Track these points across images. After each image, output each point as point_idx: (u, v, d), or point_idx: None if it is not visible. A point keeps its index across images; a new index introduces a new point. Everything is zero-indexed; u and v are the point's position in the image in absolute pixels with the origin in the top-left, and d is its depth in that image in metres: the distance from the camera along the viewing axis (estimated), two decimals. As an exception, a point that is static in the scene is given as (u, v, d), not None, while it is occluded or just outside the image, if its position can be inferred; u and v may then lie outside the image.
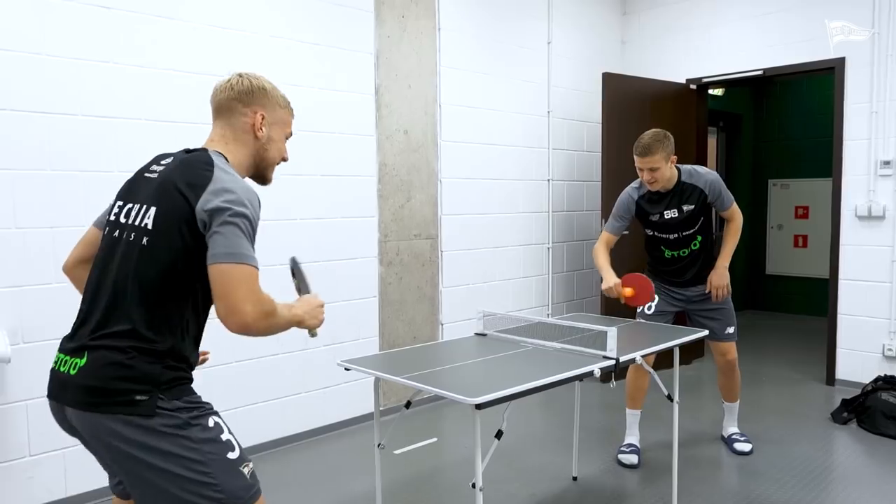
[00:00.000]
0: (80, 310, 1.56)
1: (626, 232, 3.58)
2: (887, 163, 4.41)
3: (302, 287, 1.81)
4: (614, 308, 4.68)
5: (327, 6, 3.74)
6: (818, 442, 3.63)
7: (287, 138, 1.77)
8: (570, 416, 3.99)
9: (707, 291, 3.38)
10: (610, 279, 3.16)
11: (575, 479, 3.19)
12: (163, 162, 1.60)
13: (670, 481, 2.89)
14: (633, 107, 4.93)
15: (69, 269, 1.76)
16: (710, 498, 2.96)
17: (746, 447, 3.49)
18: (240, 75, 1.69)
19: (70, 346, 1.51)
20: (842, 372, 4.65)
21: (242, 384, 3.45)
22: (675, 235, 3.35)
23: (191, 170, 1.52)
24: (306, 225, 3.70)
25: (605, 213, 4.78)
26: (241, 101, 1.66)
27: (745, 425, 3.77)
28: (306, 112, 3.67)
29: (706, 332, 2.93)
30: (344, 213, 3.88)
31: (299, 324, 1.64)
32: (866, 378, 4.34)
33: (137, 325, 1.45)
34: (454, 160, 4.47)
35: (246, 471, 1.53)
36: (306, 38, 3.66)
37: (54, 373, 1.52)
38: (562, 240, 5.28)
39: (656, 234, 3.39)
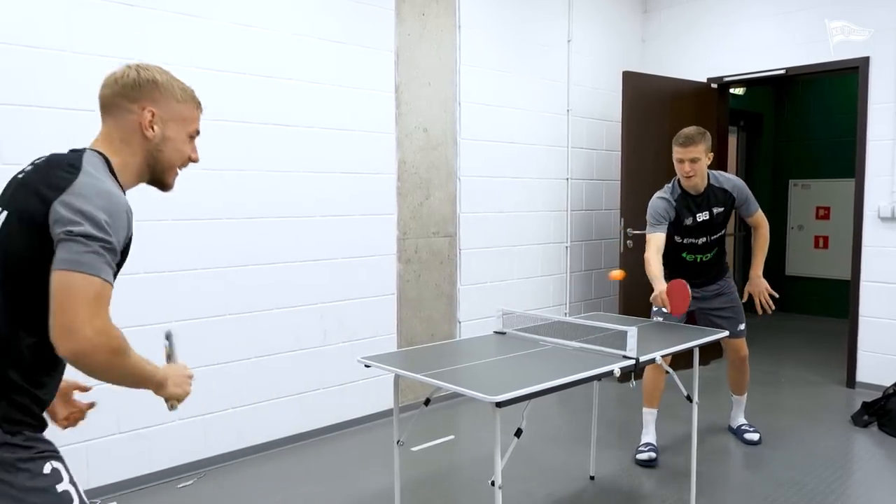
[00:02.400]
0: None
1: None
2: (912, 163, 4.35)
3: (171, 356, 1.53)
4: (633, 308, 4.67)
5: (349, 4, 3.76)
6: (838, 445, 3.60)
7: (191, 137, 1.51)
8: (588, 415, 3.98)
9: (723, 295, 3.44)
10: (661, 287, 3.10)
11: (592, 478, 3.19)
12: (36, 162, 1.38)
13: (688, 481, 2.88)
14: (653, 106, 4.90)
15: None
16: (729, 499, 2.95)
17: (755, 437, 3.60)
18: (128, 66, 1.46)
19: None
20: (862, 374, 4.60)
21: (261, 380, 3.49)
22: (704, 239, 3.39)
23: (53, 170, 1.29)
24: (326, 222, 3.72)
25: (625, 213, 4.77)
26: (126, 96, 1.41)
27: (764, 427, 3.75)
28: (326, 109, 3.70)
29: (726, 333, 2.93)
30: (363, 210, 3.90)
31: (158, 386, 1.37)
32: (887, 381, 4.29)
33: None
34: (473, 158, 4.47)
35: None
36: (328, 35, 3.68)
37: None
38: (580, 239, 5.27)
39: (685, 240, 3.40)
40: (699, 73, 5.34)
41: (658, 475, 3.22)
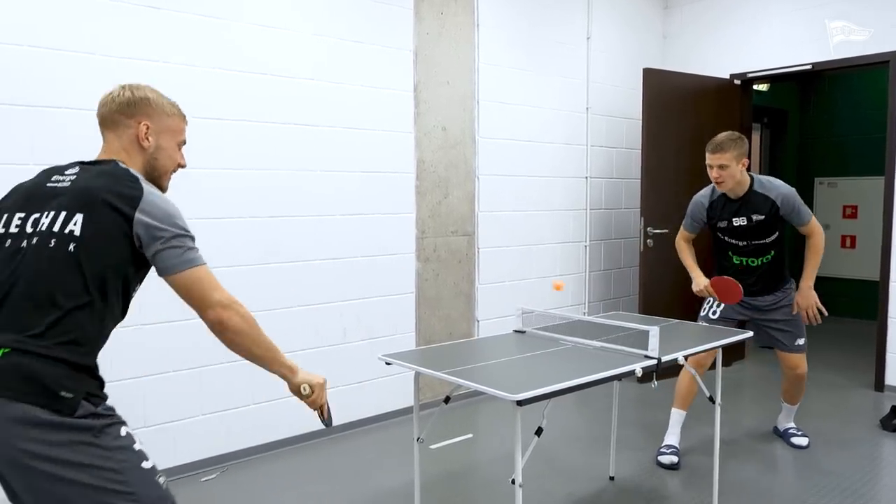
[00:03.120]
0: None
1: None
2: (943, 160, 4.24)
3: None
4: (653, 307, 4.62)
5: (368, 3, 3.76)
6: (866, 448, 3.52)
7: (180, 146, 1.73)
8: (608, 415, 3.94)
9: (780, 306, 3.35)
10: (700, 281, 3.28)
11: (612, 478, 3.15)
12: (67, 172, 1.57)
13: (710, 484, 2.84)
14: (674, 103, 4.84)
15: None
16: (752, 503, 2.90)
17: (804, 441, 3.52)
18: (122, 87, 1.67)
19: None
20: (891, 378, 4.50)
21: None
22: (745, 243, 3.32)
23: (118, 183, 1.52)
24: (345, 220, 3.73)
25: (645, 212, 4.72)
26: (124, 112, 1.64)
27: (788, 429, 3.69)
28: (346, 109, 3.70)
29: (749, 334, 2.87)
30: (382, 209, 3.90)
31: (291, 370, 1.79)
32: (917, 383, 4.19)
33: (52, 329, 1.40)
34: (492, 157, 4.45)
35: (161, 481, 1.48)
36: (347, 35, 3.69)
37: None
38: (599, 238, 5.22)
39: (726, 238, 3.37)
40: (722, 69, 5.27)
41: (679, 477, 3.17)
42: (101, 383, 1.50)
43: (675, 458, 3.27)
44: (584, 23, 5.00)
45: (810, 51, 4.85)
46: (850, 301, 7.10)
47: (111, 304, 1.50)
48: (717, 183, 3.22)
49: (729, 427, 3.81)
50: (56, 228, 1.46)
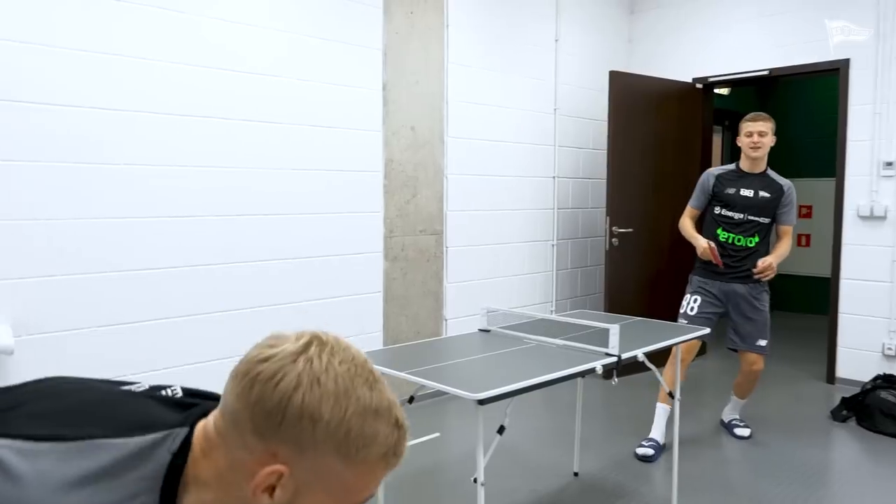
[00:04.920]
0: None
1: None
2: (889, 164, 4.43)
3: None
4: (618, 305, 4.72)
5: (337, 1, 3.77)
6: (818, 439, 3.67)
7: None
8: (572, 413, 4.03)
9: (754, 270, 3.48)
10: (702, 242, 3.48)
11: (576, 474, 3.23)
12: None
13: (671, 478, 2.93)
14: (639, 105, 4.95)
15: None
16: (710, 494, 3.00)
17: (745, 432, 3.68)
18: (292, 357, 0.80)
19: None
20: (842, 370, 4.68)
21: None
22: (741, 216, 3.50)
23: None
24: (312, 219, 3.73)
25: (611, 211, 4.82)
26: (252, 419, 0.78)
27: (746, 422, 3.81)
28: (313, 107, 3.71)
29: (707, 330, 2.96)
30: (350, 208, 3.91)
31: None
32: (866, 376, 4.37)
33: None
34: (460, 156, 4.50)
35: None
36: (315, 33, 3.69)
37: None
38: (566, 237, 5.31)
39: (723, 211, 3.55)
40: (685, 73, 5.40)
41: (642, 472, 3.27)
42: None
43: (650, 451, 3.37)
44: (553, 25, 5.08)
45: (767, 57, 5.01)
46: (805, 297, 7.34)
47: None
48: (754, 148, 3.47)
49: (689, 422, 3.93)
50: None
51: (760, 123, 3.46)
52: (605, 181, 5.06)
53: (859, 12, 4.52)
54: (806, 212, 7.30)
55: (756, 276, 3.45)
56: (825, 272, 5.97)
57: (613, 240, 4.81)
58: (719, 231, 3.56)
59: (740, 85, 6.43)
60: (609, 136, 4.82)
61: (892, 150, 4.43)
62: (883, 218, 4.47)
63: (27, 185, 2.78)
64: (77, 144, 2.91)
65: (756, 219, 3.49)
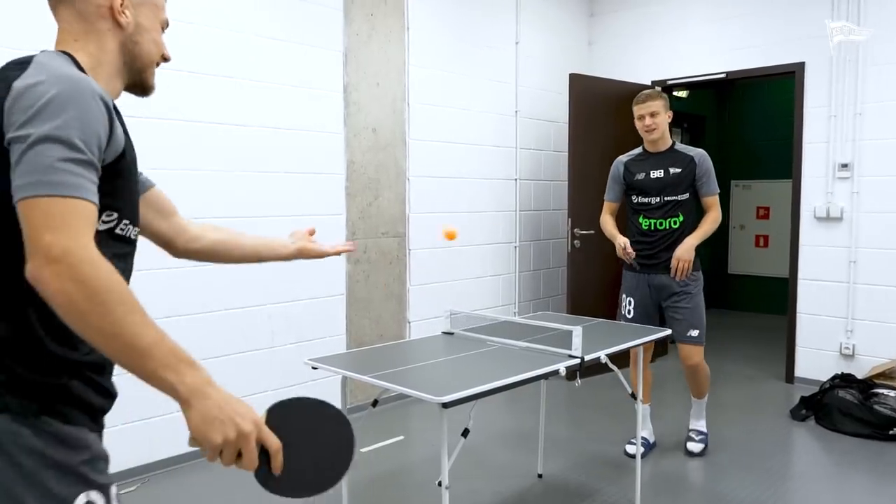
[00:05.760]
0: None
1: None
2: (845, 165, 4.53)
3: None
4: (580, 306, 4.73)
5: (296, 3, 3.70)
6: (777, 438, 3.72)
7: (163, 28, 1.26)
8: (536, 415, 4.01)
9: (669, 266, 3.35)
10: (620, 240, 3.36)
11: (540, 476, 3.21)
12: None
13: (634, 478, 2.93)
14: (599, 107, 4.98)
15: None
16: (672, 494, 3.01)
17: (696, 448, 3.46)
18: None
19: None
20: (801, 370, 4.77)
21: (206, 384, 3.39)
22: (658, 200, 3.39)
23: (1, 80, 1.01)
24: (273, 222, 3.65)
25: (572, 213, 4.83)
26: None
27: (706, 422, 3.84)
28: (273, 109, 3.63)
29: (668, 332, 2.97)
30: (311, 210, 3.84)
31: (183, 400, 1.02)
32: (824, 376, 4.44)
33: None
34: (422, 159, 4.46)
35: None
36: (274, 34, 3.61)
37: None
38: (529, 239, 5.31)
39: (640, 199, 3.45)
40: (644, 76, 5.46)
41: (605, 472, 3.26)
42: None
43: (632, 448, 3.38)
44: (513, 28, 5.08)
45: (724, 60, 5.09)
46: (763, 297, 7.50)
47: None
48: (648, 131, 3.36)
49: (655, 422, 3.94)
50: None
51: (650, 104, 3.32)
52: (566, 183, 5.07)
53: (814, 15, 4.62)
54: (764, 213, 7.46)
55: (672, 275, 3.33)
56: (783, 273, 6.10)
57: (575, 241, 4.83)
58: (641, 219, 3.44)
59: (698, 87, 6.55)
60: (570, 139, 4.83)
61: (847, 151, 4.53)
62: (839, 219, 4.57)
63: None
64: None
65: (674, 198, 3.35)
